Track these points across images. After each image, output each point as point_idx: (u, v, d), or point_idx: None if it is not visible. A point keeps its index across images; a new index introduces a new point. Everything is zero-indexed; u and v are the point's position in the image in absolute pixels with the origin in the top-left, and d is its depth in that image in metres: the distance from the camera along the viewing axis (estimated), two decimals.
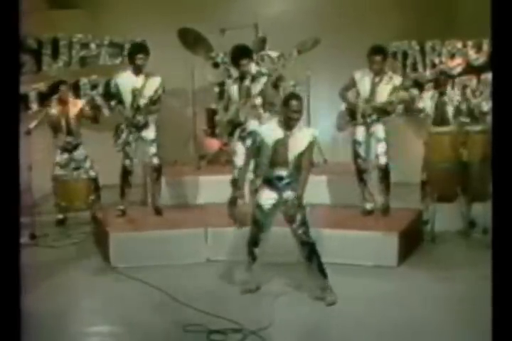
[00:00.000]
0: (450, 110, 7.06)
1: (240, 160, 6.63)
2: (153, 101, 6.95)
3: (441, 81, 7.41)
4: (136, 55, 6.98)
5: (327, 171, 7.73)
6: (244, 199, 6.32)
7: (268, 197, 5.38)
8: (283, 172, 5.30)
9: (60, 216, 7.67)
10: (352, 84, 6.76)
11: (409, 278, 5.98)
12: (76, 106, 7.80)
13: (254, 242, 5.54)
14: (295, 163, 5.28)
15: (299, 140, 5.27)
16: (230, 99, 6.82)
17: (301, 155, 5.28)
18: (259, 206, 5.42)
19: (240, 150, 6.70)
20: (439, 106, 7.11)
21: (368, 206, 6.98)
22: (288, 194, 5.32)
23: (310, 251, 5.33)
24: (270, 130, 5.33)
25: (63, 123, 7.66)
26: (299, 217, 5.30)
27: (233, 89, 6.79)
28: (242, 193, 5.56)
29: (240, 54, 6.70)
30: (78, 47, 9.06)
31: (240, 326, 4.83)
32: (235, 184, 6.62)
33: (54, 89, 7.96)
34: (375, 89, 6.62)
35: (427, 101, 7.18)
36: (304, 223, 5.32)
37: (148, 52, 7.05)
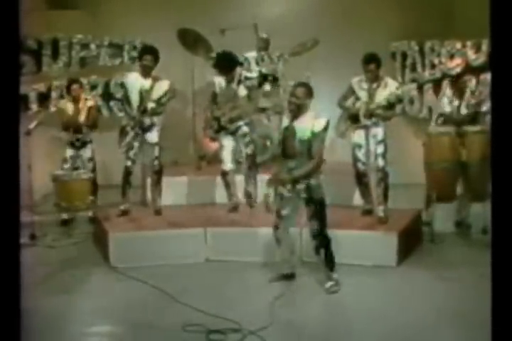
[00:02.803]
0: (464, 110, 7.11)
1: (226, 154, 7.03)
2: (161, 103, 7.00)
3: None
4: (143, 55, 7.06)
5: (326, 171, 7.72)
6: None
7: (284, 188, 5.46)
8: (292, 163, 5.37)
9: (65, 216, 7.68)
10: (350, 92, 6.78)
11: (408, 277, 5.98)
12: (87, 104, 7.87)
13: (275, 227, 5.64)
14: (304, 153, 5.31)
15: (305, 129, 5.31)
16: (216, 98, 7.03)
17: (307, 144, 5.29)
18: (279, 196, 5.53)
19: (227, 145, 7.03)
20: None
21: (367, 206, 6.99)
22: (299, 186, 5.38)
23: (319, 244, 5.45)
24: (281, 122, 5.45)
25: (74, 119, 7.72)
26: (313, 208, 5.38)
27: (221, 87, 6.98)
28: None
29: (224, 61, 6.95)
30: (78, 47, 9.08)
31: (239, 326, 4.84)
32: (225, 176, 7.08)
33: (68, 87, 8.01)
34: (373, 94, 6.64)
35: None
36: (316, 215, 5.39)
37: (156, 55, 7.07)
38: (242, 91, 6.97)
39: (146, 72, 7.01)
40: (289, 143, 5.34)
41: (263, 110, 8.02)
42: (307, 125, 5.31)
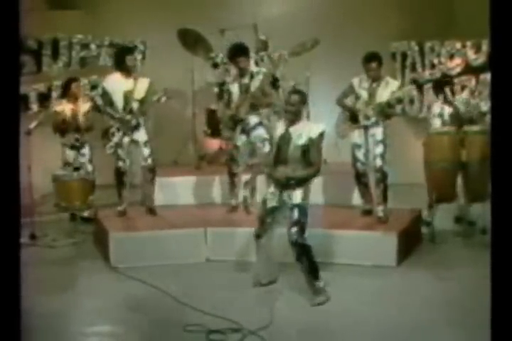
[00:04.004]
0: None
1: (241, 156, 7.05)
2: (146, 102, 6.96)
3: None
4: (125, 56, 7.01)
5: (326, 171, 7.72)
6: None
7: (270, 193, 5.43)
8: (285, 169, 5.31)
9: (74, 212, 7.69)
10: (350, 90, 6.78)
11: (408, 278, 5.99)
12: (85, 103, 7.86)
13: (257, 235, 5.60)
14: (298, 159, 5.27)
15: (301, 135, 5.29)
16: (230, 96, 7.00)
17: (302, 150, 5.26)
18: (263, 202, 5.51)
19: (241, 145, 7.02)
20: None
21: (367, 206, 6.99)
22: (287, 193, 5.34)
23: (300, 252, 5.29)
24: (276, 127, 5.43)
25: (72, 120, 7.70)
26: (294, 215, 5.29)
27: (234, 87, 6.99)
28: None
29: (237, 51, 6.93)
30: (78, 47, 9.07)
31: (239, 326, 4.84)
32: (234, 177, 7.14)
33: (66, 85, 7.99)
34: (374, 94, 6.65)
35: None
36: (297, 222, 5.28)
37: (135, 54, 7.09)
38: (255, 84, 6.91)
39: (129, 73, 6.97)
40: (284, 149, 5.31)
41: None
42: (303, 131, 5.30)
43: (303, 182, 5.31)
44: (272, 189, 5.43)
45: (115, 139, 6.94)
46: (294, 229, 5.28)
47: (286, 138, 5.33)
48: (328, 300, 5.36)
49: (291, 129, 5.33)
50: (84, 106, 7.80)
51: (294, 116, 5.33)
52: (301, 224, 5.30)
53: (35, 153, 7.10)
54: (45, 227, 7.40)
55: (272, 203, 5.44)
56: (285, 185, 5.32)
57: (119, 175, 7.15)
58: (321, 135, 5.30)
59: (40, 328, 4.87)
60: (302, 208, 5.32)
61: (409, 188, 7.78)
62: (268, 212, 5.48)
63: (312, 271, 5.36)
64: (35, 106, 8.84)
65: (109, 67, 9.05)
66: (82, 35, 9.06)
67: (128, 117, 6.91)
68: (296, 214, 5.30)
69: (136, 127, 7.01)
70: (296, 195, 5.31)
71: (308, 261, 5.32)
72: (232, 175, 7.17)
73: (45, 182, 7.51)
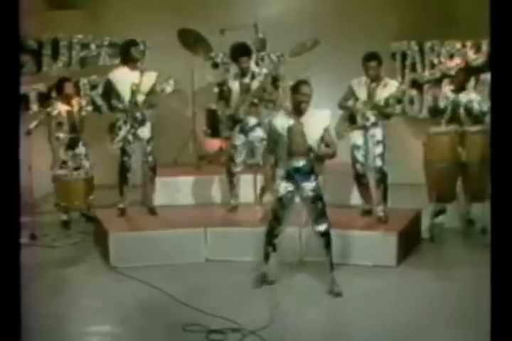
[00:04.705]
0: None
1: (238, 155, 7.06)
2: (152, 96, 6.95)
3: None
4: (130, 47, 7.04)
5: (325, 171, 7.72)
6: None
7: (285, 189, 5.46)
8: (301, 162, 5.38)
9: (64, 217, 7.68)
10: (350, 93, 6.77)
11: (408, 277, 5.99)
12: (78, 103, 7.83)
13: (272, 234, 5.63)
14: (314, 147, 5.36)
15: (315, 124, 5.38)
16: (230, 94, 7.04)
17: (320, 139, 5.39)
18: (277, 197, 5.53)
19: (240, 145, 7.05)
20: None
21: (367, 206, 6.99)
22: (305, 185, 5.40)
23: (326, 243, 5.51)
24: (281, 121, 5.44)
25: (67, 119, 7.67)
26: (319, 207, 5.44)
27: (235, 85, 7.04)
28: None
29: (240, 51, 7.02)
30: (78, 47, 9.06)
31: (239, 326, 4.84)
32: (233, 177, 7.14)
33: (58, 86, 7.96)
34: (373, 94, 6.64)
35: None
36: (323, 214, 5.47)
37: (140, 46, 7.12)
38: (255, 85, 6.97)
39: (134, 65, 6.98)
40: (299, 140, 5.34)
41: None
42: (315, 120, 5.38)
43: (321, 161, 5.47)
44: (287, 184, 5.46)
45: (122, 133, 6.92)
46: (324, 221, 5.47)
47: (298, 129, 5.36)
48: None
49: (302, 120, 5.39)
50: (76, 106, 7.76)
51: (307, 106, 5.41)
52: (326, 216, 5.49)
53: (35, 153, 7.09)
54: (45, 227, 7.40)
55: (288, 199, 5.49)
56: (303, 175, 5.39)
57: (123, 170, 7.11)
58: (330, 119, 5.50)
59: (40, 328, 4.87)
60: (323, 200, 5.48)
61: (409, 188, 7.78)
62: (285, 208, 5.52)
63: (331, 262, 5.58)
64: (35, 106, 8.82)
65: (109, 67, 9.06)
66: (82, 35, 9.05)
67: (132, 110, 6.91)
68: (320, 206, 5.46)
69: (142, 122, 7.00)
70: (314, 186, 5.43)
71: (329, 252, 5.54)
72: (231, 175, 7.17)
73: (45, 182, 7.50)
